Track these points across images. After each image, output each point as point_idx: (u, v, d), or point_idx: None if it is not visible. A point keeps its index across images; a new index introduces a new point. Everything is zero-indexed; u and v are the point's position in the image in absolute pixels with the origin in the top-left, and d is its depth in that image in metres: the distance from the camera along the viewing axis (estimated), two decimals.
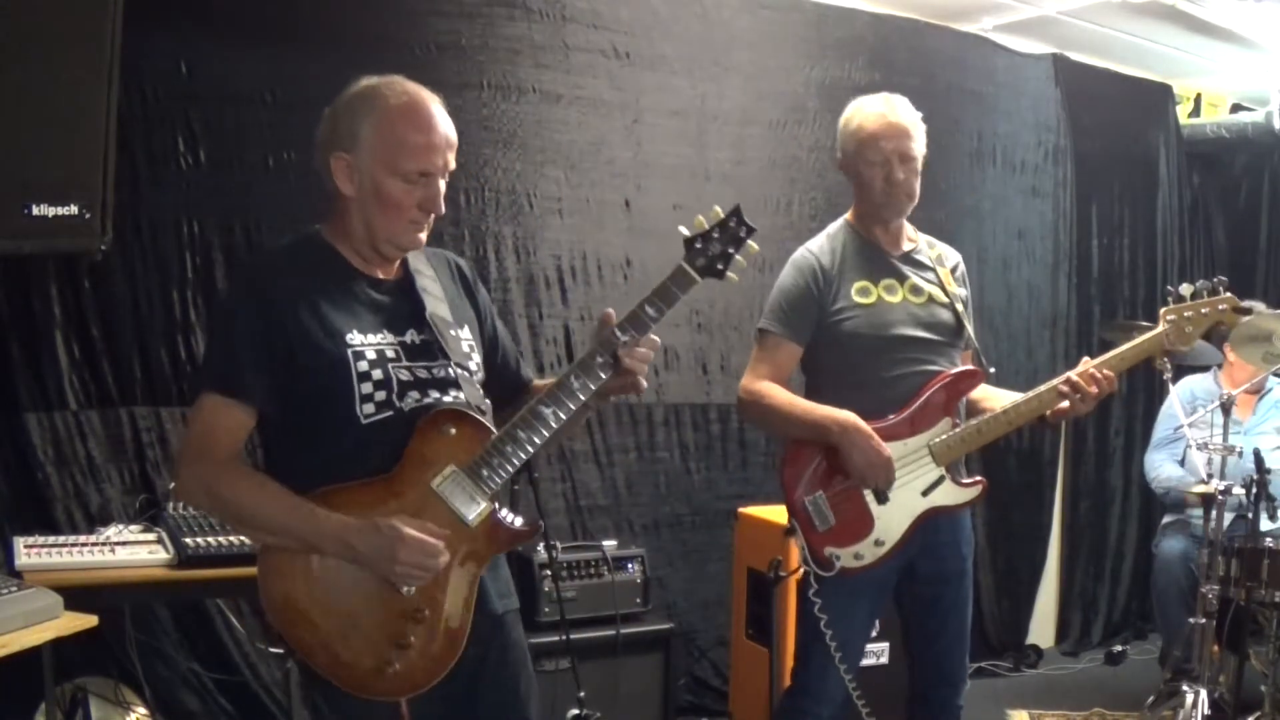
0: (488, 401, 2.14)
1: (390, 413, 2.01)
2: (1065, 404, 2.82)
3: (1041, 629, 5.76)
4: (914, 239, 3.01)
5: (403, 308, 2.10)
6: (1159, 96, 6.04)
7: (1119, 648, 5.61)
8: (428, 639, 1.99)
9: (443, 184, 2.07)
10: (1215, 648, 4.06)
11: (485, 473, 2.02)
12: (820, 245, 2.95)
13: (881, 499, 2.81)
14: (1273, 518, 4.17)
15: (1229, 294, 2.89)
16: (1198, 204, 6.40)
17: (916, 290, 2.93)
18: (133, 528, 3.23)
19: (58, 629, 2.62)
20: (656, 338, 2.09)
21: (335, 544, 1.94)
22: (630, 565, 3.95)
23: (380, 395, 2.00)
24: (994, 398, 2.95)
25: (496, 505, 2.05)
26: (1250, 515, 4.07)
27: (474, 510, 2.02)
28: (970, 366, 2.95)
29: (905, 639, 3.09)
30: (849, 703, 2.90)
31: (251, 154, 3.72)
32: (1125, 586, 5.99)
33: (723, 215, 2.13)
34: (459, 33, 4.03)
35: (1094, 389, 2.79)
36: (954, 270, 3.03)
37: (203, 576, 3.01)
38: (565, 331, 4.30)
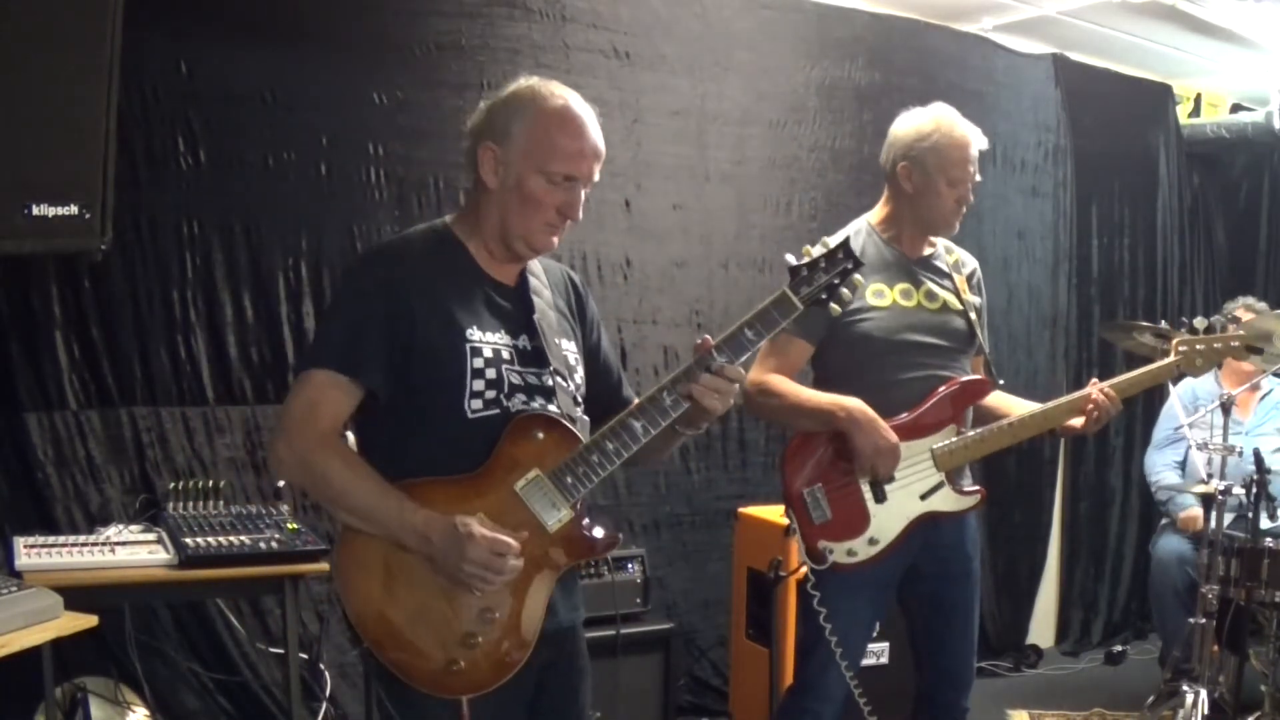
0: (581, 413, 2.15)
1: (497, 411, 2.03)
2: (1078, 422, 2.86)
3: (1041, 629, 5.77)
4: (933, 244, 3.03)
5: (518, 314, 2.12)
6: (1159, 96, 6.04)
7: (1119, 648, 5.62)
8: (496, 640, 1.99)
9: (584, 193, 2.10)
10: (1215, 648, 4.06)
11: (569, 480, 2.02)
12: None
13: (879, 498, 2.82)
14: (1273, 517, 4.17)
15: (1243, 331, 2.95)
16: (1198, 204, 6.40)
17: (931, 296, 2.94)
18: (133, 528, 3.24)
19: (58, 629, 2.63)
20: (742, 370, 2.08)
21: (415, 537, 1.94)
22: (630, 565, 3.95)
23: (490, 394, 2.02)
24: (1007, 405, 2.96)
25: (579, 514, 2.05)
26: (1250, 515, 4.07)
27: (554, 516, 2.02)
28: (979, 376, 2.96)
29: (911, 640, 3.09)
30: (851, 701, 2.91)
31: (251, 154, 3.72)
32: (1125, 586, 5.99)
33: (831, 246, 2.14)
34: (459, 33, 4.03)
35: (1102, 410, 2.84)
36: (970, 277, 3.05)
37: (203, 576, 3.01)
38: None
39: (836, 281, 2.12)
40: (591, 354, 2.28)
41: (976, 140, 2.92)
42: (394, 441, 2.03)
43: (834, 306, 2.14)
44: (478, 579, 1.94)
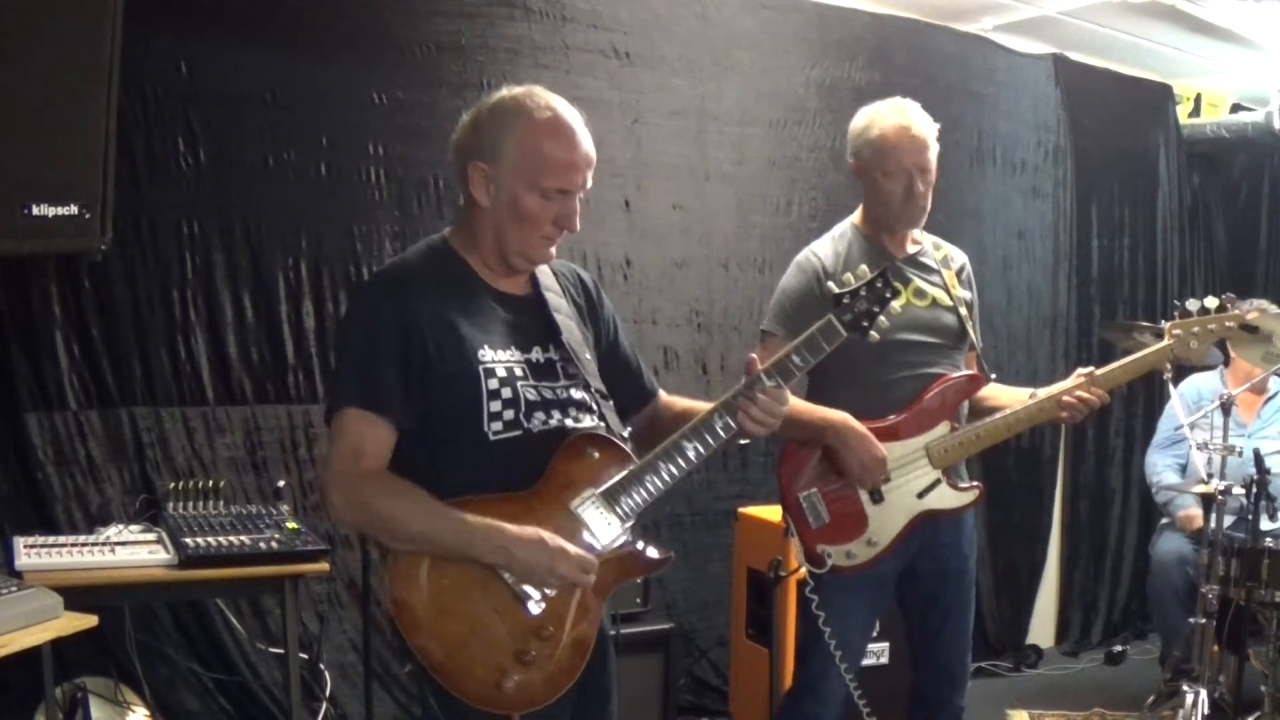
0: (627, 429, 2.17)
1: (518, 432, 2.03)
2: (1065, 414, 2.86)
3: (1041, 629, 5.76)
4: (920, 241, 3.02)
5: (531, 325, 2.11)
6: (1159, 96, 6.04)
7: (1119, 648, 5.61)
8: (550, 657, 2.00)
9: (578, 201, 2.07)
10: (1215, 648, 4.06)
11: (623, 499, 2.05)
12: (824, 247, 2.95)
13: (876, 499, 2.81)
14: (1273, 518, 4.17)
15: (1237, 311, 2.93)
16: (1198, 204, 6.39)
17: (920, 294, 2.93)
18: (133, 528, 3.24)
19: (58, 629, 2.63)
20: (787, 391, 2.14)
21: (490, 549, 1.94)
22: None
23: (509, 414, 2.02)
24: (999, 396, 2.96)
25: (632, 533, 2.07)
26: (1250, 515, 4.07)
27: (609, 535, 2.04)
28: (972, 371, 2.96)
29: (907, 638, 3.10)
30: (851, 703, 2.91)
31: (251, 154, 3.72)
32: (1125, 586, 5.98)
33: (870, 275, 2.20)
34: (459, 33, 4.02)
35: (1086, 407, 2.85)
36: (959, 272, 3.04)
37: (203, 576, 3.01)
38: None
39: (876, 310, 2.19)
40: (610, 350, 2.29)
41: (918, 128, 2.86)
42: (419, 464, 2.02)
43: (873, 334, 2.20)
44: (556, 588, 1.97)
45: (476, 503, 1.98)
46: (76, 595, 2.74)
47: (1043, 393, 2.91)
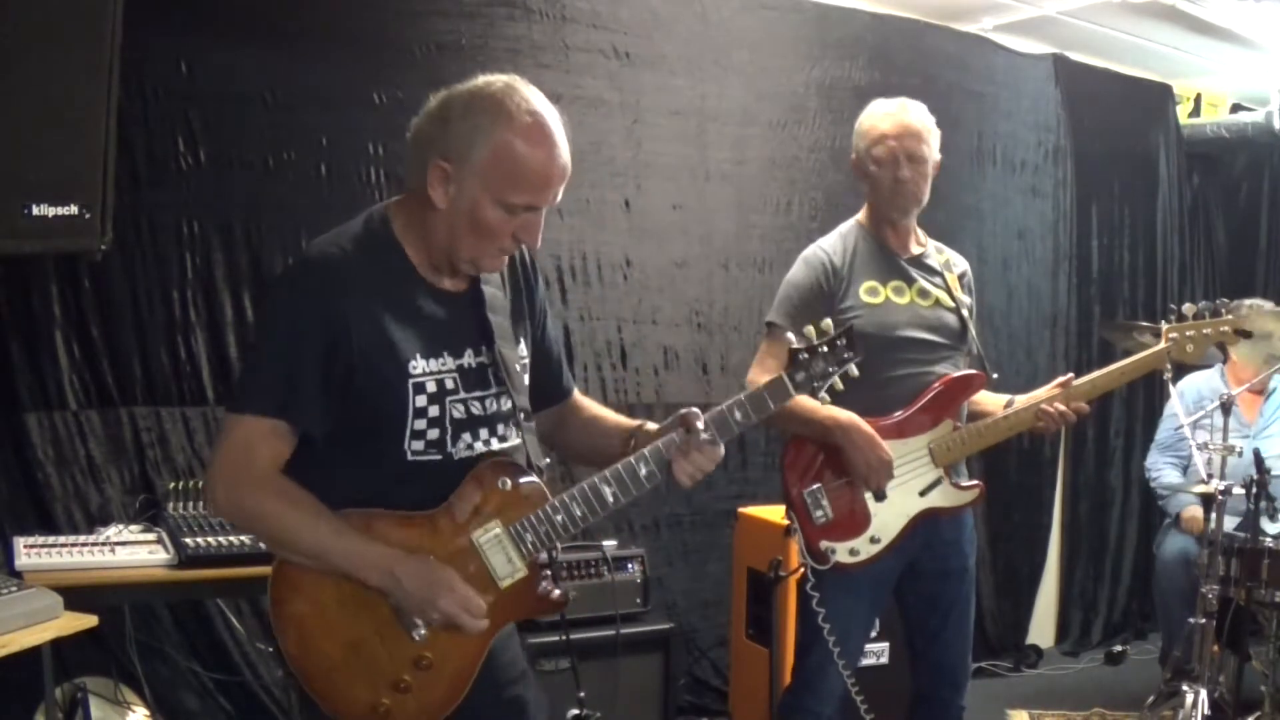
0: (546, 460, 2.06)
1: (438, 456, 1.93)
2: (1041, 424, 2.88)
3: (1041, 629, 5.77)
4: (924, 243, 3.04)
5: (465, 325, 1.97)
6: (1159, 96, 6.04)
7: (1119, 648, 5.61)
8: (426, 687, 1.93)
9: (543, 216, 1.92)
10: (1215, 648, 4.06)
11: (530, 539, 1.95)
12: (832, 243, 2.98)
13: (879, 496, 2.83)
14: (1273, 518, 4.16)
15: (1231, 315, 2.95)
16: (1198, 204, 6.40)
17: (924, 294, 2.95)
18: (133, 528, 3.24)
19: (58, 629, 2.63)
20: (721, 450, 2.00)
21: (378, 573, 1.86)
22: (630, 565, 3.95)
23: (433, 434, 1.92)
24: (993, 402, 2.97)
25: (533, 573, 1.98)
26: (1250, 516, 4.06)
27: (509, 572, 1.95)
28: (974, 371, 2.97)
29: (907, 638, 3.10)
30: (849, 700, 2.91)
31: (251, 154, 3.71)
32: (1125, 586, 5.99)
33: (832, 334, 2.07)
34: (459, 33, 4.02)
35: (1061, 421, 2.86)
36: (961, 277, 3.06)
37: (203, 576, 3.01)
38: (565, 332, 4.29)
39: (832, 370, 2.06)
40: (537, 342, 2.15)
41: (909, 117, 2.88)
42: (325, 471, 1.90)
43: (824, 396, 2.09)
44: (435, 623, 1.90)
45: (374, 518, 1.89)
46: (76, 595, 2.73)
47: (1020, 399, 2.93)
